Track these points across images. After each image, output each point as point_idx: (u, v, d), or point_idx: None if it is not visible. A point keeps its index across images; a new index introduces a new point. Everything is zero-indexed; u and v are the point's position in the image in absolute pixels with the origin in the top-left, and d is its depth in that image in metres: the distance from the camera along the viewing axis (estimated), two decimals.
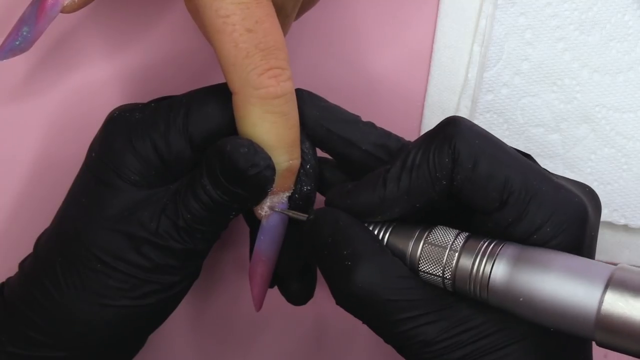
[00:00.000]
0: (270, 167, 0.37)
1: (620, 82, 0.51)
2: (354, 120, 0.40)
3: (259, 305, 0.42)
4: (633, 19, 0.50)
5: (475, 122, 0.49)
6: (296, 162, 0.39)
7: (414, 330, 0.35)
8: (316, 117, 0.39)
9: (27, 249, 0.41)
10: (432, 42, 0.50)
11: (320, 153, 0.41)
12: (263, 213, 0.39)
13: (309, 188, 0.40)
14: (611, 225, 0.52)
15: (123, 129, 0.39)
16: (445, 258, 0.36)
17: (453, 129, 0.36)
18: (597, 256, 0.52)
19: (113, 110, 0.40)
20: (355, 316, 0.37)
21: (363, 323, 0.37)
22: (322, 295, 0.52)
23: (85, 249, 0.38)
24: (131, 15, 0.47)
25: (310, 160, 0.40)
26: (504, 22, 0.49)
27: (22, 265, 0.41)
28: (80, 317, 0.38)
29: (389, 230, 0.37)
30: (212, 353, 0.52)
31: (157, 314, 0.41)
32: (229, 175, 0.37)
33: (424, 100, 0.50)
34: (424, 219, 0.38)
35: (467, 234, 0.36)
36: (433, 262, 0.36)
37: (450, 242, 0.36)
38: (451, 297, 0.36)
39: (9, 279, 0.41)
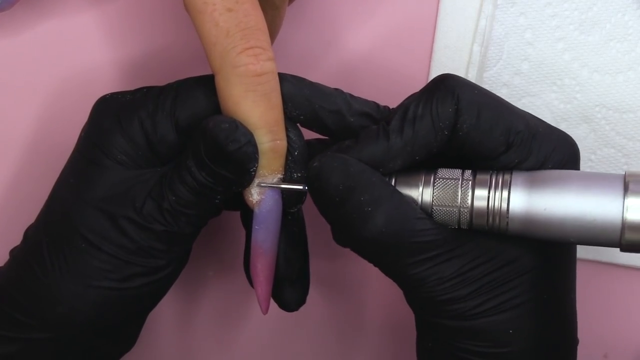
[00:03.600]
0: (252, 144, 0.37)
1: (620, 82, 0.50)
2: (337, 92, 0.40)
3: (265, 306, 0.42)
4: (633, 19, 0.50)
5: None
6: (281, 142, 0.39)
7: (430, 270, 0.37)
8: (305, 95, 0.39)
9: (18, 238, 0.41)
10: (432, 41, 0.50)
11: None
12: (254, 200, 0.39)
13: (299, 175, 0.40)
14: None
15: (113, 109, 0.39)
16: (460, 191, 0.37)
17: (453, 82, 0.37)
18: (595, 256, 0.52)
19: (105, 95, 0.41)
20: (372, 261, 0.38)
21: (375, 266, 0.38)
22: (318, 295, 0.52)
23: (70, 227, 0.38)
24: (128, 7, 0.47)
25: (298, 147, 0.40)
26: (504, 22, 0.49)
27: (12, 252, 0.41)
28: (64, 298, 0.38)
29: (394, 179, 0.38)
30: (208, 352, 0.52)
31: (142, 300, 0.40)
32: (212, 153, 0.37)
33: None
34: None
35: (470, 170, 0.37)
36: (449, 196, 0.37)
37: (461, 176, 0.37)
38: (463, 235, 0.37)
39: (0, 268, 0.41)
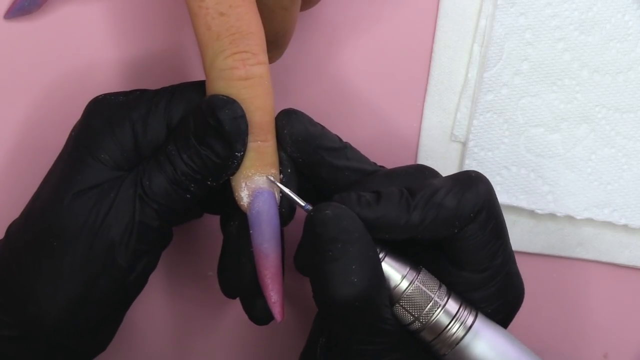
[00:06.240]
0: (245, 120, 0.37)
1: (620, 82, 0.51)
2: (340, 146, 0.40)
3: (279, 311, 0.40)
4: (633, 19, 0.50)
5: (475, 122, 0.50)
6: (263, 143, 0.39)
7: (368, 352, 0.37)
8: (314, 145, 0.40)
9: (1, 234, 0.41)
10: (432, 42, 0.50)
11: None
12: (245, 203, 0.39)
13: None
14: (611, 225, 0.52)
15: (104, 109, 0.39)
16: (427, 307, 0.38)
17: (486, 188, 0.38)
18: (597, 257, 0.52)
19: (98, 95, 0.41)
20: (324, 318, 0.38)
21: (323, 325, 0.39)
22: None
23: (46, 226, 0.38)
24: (129, 5, 0.47)
25: (288, 164, 0.40)
26: (504, 22, 0.49)
27: None
28: (34, 297, 0.38)
29: (384, 254, 0.38)
30: (206, 352, 0.52)
31: (111, 303, 0.40)
32: (203, 124, 0.37)
33: (424, 100, 0.50)
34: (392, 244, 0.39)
35: (446, 288, 0.38)
36: (415, 305, 0.38)
37: (436, 293, 0.38)
38: (405, 336, 0.38)
39: None
